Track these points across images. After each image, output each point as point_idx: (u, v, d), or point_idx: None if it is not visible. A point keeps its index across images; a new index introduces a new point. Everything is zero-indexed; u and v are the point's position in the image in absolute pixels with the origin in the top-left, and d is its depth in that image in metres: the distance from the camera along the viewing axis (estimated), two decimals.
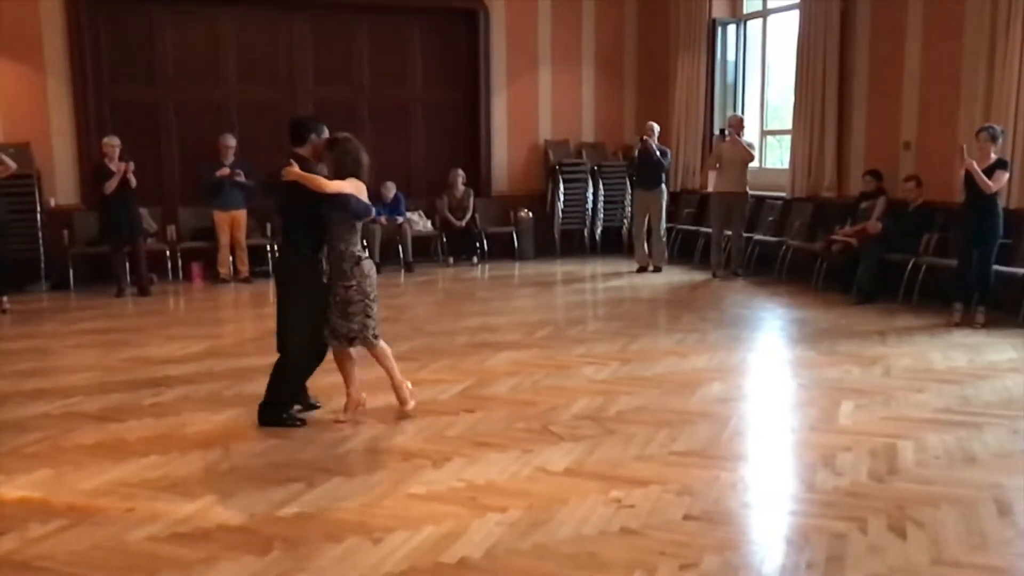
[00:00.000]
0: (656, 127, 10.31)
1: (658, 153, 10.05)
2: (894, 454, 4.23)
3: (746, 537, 3.50)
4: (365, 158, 4.81)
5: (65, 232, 9.52)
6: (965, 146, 7.04)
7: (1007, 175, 7.05)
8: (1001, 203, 7.11)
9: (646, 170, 10.14)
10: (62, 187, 9.81)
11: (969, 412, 4.90)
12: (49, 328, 7.63)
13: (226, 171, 9.58)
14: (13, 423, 4.86)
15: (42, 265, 9.40)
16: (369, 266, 4.76)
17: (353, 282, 4.67)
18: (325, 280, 4.70)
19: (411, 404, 4.93)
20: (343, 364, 4.85)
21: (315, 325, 4.72)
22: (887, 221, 8.29)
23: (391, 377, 4.90)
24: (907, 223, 8.18)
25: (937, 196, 8.04)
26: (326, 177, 4.65)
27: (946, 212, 7.89)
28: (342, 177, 4.66)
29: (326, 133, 4.94)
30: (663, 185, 10.30)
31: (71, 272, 9.48)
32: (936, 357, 6.16)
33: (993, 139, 6.98)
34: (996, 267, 7.13)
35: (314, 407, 5.00)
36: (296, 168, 4.59)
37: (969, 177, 6.93)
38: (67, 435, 4.64)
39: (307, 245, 4.70)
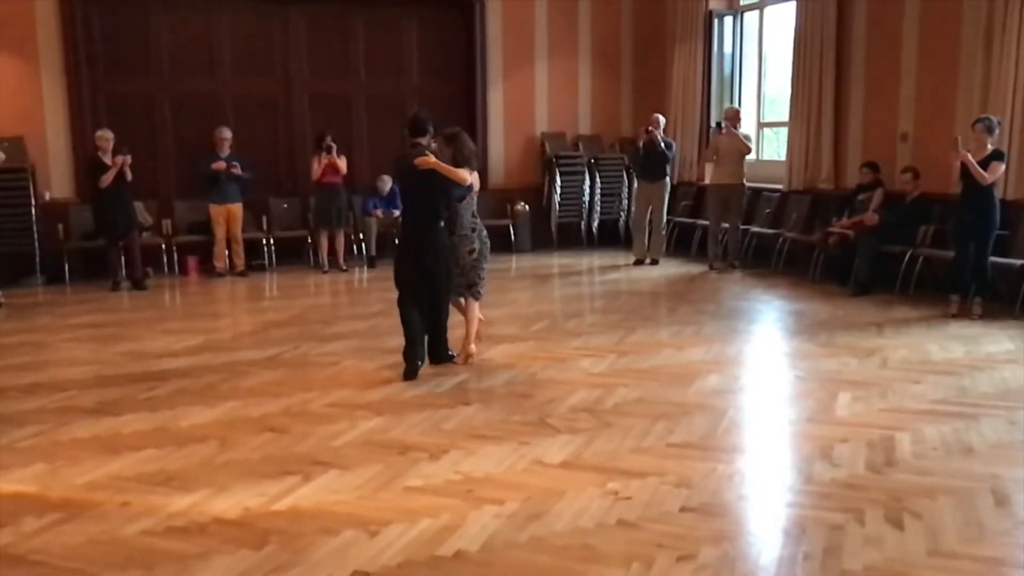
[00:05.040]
0: (662, 119, 10.29)
1: (663, 145, 10.02)
2: (891, 445, 4.23)
3: (743, 529, 3.49)
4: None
5: (60, 226, 9.48)
6: (960, 137, 7.02)
7: (1003, 166, 7.03)
8: (998, 194, 7.11)
9: (650, 162, 10.11)
10: (57, 181, 9.77)
11: (966, 403, 4.90)
12: (44, 322, 7.61)
13: (222, 164, 9.54)
14: (8, 417, 4.84)
15: (37, 259, 9.37)
16: (484, 233, 5.83)
17: (476, 245, 5.76)
18: (471, 247, 5.74)
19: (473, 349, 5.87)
20: (466, 311, 5.90)
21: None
22: (884, 213, 8.29)
23: (470, 327, 5.87)
24: (904, 215, 8.17)
25: (934, 188, 8.03)
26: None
27: (943, 204, 7.88)
28: (459, 165, 5.55)
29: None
30: (667, 178, 10.28)
31: (66, 266, 9.45)
32: (933, 348, 6.16)
33: (989, 130, 6.96)
34: (993, 258, 7.12)
35: (452, 357, 5.86)
36: (432, 158, 5.46)
37: (966, 169, 6.92)
38: (62, 429, 4.63)
39: (441, 219, 5.64)
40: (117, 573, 3.08)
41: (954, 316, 7.11)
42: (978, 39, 7.72)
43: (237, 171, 9.55)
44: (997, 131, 7.05)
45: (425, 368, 5.69)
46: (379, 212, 10.33)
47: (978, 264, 7.08)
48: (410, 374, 5.48)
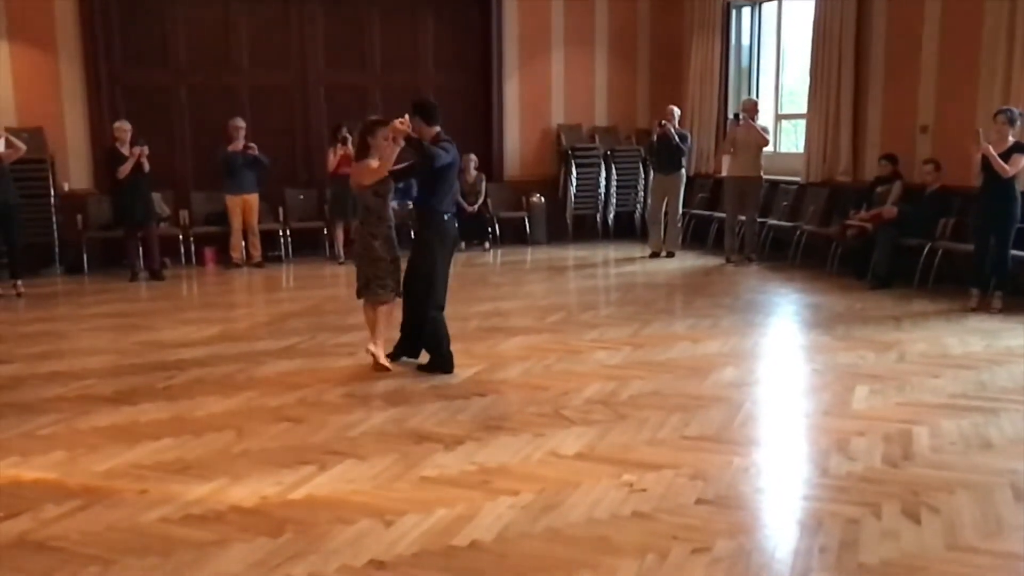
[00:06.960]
0: (676, 111, 10.24)
1: (677, 138, 9.97)
2: (909, 439, 4.21)
3: (759, 521, 3.48)
4: None
5: (79, 216, 9.55)
6: (981, 130, 6.95)
7: None
8: (1019, 187, 7.03)
9: (665, 154, 10.07)
10: (75, 171, 9.84)
11: (985, 397, 4.87)
12: (63, 312, 7.67)
13: (239, 144, 9.56)
14: (28, 405, 4.89)
15: (56, 249, 9.46)
16: None
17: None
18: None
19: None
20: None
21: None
22: (902, 206, 8.22)
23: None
24: (923, 207, 8.10)
25: (954, 180, 7.95)
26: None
27: (963, 196, 7.81)
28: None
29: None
30: (682, 170, 10.23)
31: (85, 256, 9.52)
32: (952, 342, 6.11)
33: (1011, 122, 6.88)
34: (1014, 252, 7.05)
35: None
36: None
37: (986, 161, 6.85)
38: (81, 417, 4.67)
39: None
40: (135, 559, 3.10)
41: (973, 310, 7.04)
42: (1000, 29, 7.63)
43: (254, 151, 9.56)
44: (1019, 123, 6.96)
45: None
46: (394, 204, 10.31)
47: (999, 257, 7.02)
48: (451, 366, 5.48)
